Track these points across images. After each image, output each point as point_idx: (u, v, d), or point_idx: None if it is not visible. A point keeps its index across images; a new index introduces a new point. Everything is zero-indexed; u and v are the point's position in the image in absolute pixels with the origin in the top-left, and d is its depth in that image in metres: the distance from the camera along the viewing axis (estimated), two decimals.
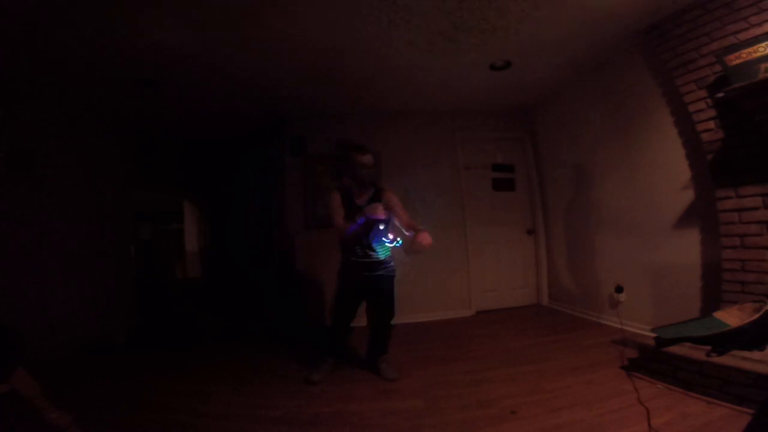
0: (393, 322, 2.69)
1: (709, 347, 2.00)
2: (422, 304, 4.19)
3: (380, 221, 2.34)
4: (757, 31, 2.12)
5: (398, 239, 2.37)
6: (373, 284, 2.56)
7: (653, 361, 2.25)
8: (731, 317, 2.09)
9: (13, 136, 3.02)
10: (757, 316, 1.95)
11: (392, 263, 2.63)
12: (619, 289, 3.34)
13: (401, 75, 3.45)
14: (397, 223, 2.49)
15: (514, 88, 3.95)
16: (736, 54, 2.13)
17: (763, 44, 2.02)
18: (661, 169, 2.94)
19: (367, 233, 2.45)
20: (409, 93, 3.89)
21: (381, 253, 2.54)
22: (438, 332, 3.71)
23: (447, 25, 2.68)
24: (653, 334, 2.34)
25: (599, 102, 3.53)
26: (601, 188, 3.58)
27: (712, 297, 2.52)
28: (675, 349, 2.14)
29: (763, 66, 2.01)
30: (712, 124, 2.41)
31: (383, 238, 2.41)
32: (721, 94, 2.22)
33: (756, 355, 1.86)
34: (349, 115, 4.25)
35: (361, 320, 2.73)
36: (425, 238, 2.19)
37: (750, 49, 2.07)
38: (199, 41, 2.70)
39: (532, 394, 2.18)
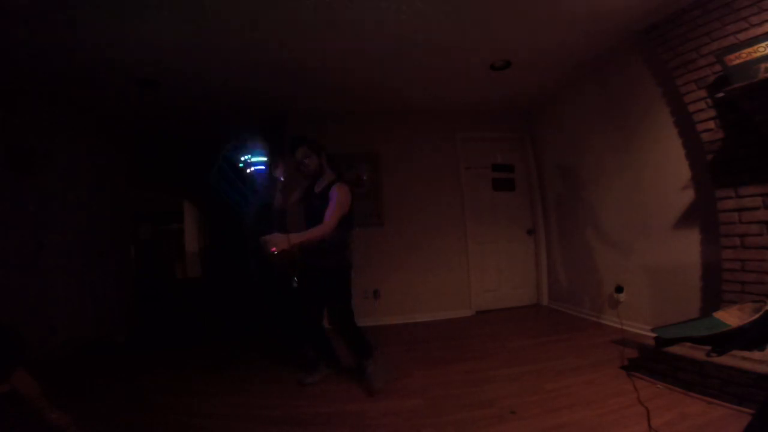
0: (349, 319, 2.45)
1: (709, 347, 2.00)
2: (422, 304, 4.20)
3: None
4: (757, 31, 2.12)
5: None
6: (316, 279, 2.40)
7: (653, 361, 2.25)
8: (731, 317, 2.09)
9: (13, 136, 3.03)
10: (757, 316, 1.95)
11: (342, 254, 2.42)
12: (619, 289, 3.33)
13: (401, 75, 3.45)
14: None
15: (514, 88, 3.95)
16: (736, 54, 2.13)
17: (763, 44, 2.02)
18: (661, 169, 2.93)
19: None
20: (410, 93, 3.89)
21: (321, 248, 2.32)
22: (438, 332, 3.71)
23: (448, 25, 2.68)
24: (653, 334, 2.34)
25: (599, 102, 3.53)
26: (601, 188, 3.58)
27: (712, 297, 2.51)
28: (675, 349, 2.14)
29: (763, 66, 2.00)
30: (712, 124, 2.41)
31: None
32: (721, 94, 2.21)
33: (756, 355, 1.86)
34: (350, 114, 4.25)
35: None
36: (273, 240, 2.07)
37: (750, 49, 2.07)
38: (199, 42, 2.70)
39: (532, 394, 2.18)
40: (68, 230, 3.46)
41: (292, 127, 4.14)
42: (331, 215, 2.26)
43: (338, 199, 2.31)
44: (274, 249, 2.10)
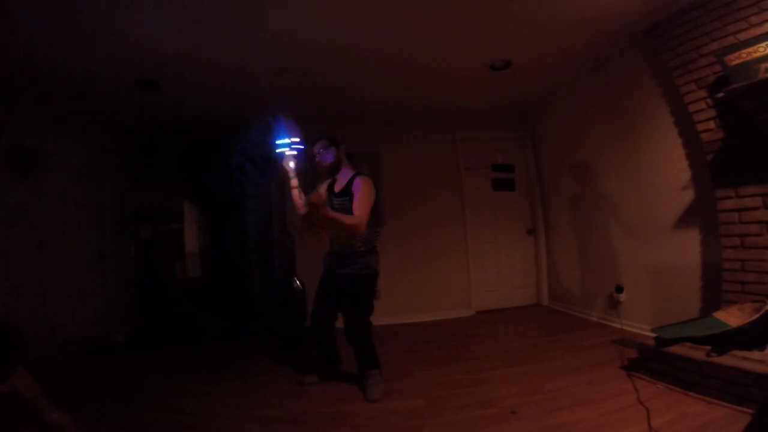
0: (364, 330, 2.35)
1: (709, 347, 2.00)
2: (422, 304, 4.20)
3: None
4: (757, 31, 2.12)
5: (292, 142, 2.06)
6: (339, 283, 2.32)
7: (653, 361, 2.25)
8: (731, 317, 2.09)
9: (13, 136, 3.02)
10: (757, 316, 1.95)
11: (365, 260, 2.29)
12: (619, 289, 3.34)
13: (401, 75, 3.45)
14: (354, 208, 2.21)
15: (514, 88, 3.95)
16: (736, 54, 2.13)
17: (763, 44, 2.02)
18: (661, 169, 2.93)
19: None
20: (409, 93, 3.89)
21: (347, 246, 2.25)
22: (438, 332, 3.71)
23: (447, 25, 2.68)
24: (653, 334, 2.34)
25: (599, 102, 3.52)
26: (601, 188, 3.58)
27: (712, 297, 2.51)
28: (675, 349, 2.14)
29: (763, 66, 2.00)
30: (712, 124, 2.41)
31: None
32: (721, 94, 2.21)
33: (756, 355, 1.86)
34: (350, 114, 4.25)
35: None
36: (314, 203, 1.94)
37: (750, 49, 2.07)
38: (199, 43, 2.70)
39: (532, 394, 2.18)
40: (68, 230, 3.46)
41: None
42: (360, 208, 2.14)
43: (364, 191, 2.20)
44: (311, 204, 1.95)
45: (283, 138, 2.22)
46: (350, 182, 2.30)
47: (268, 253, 4.70)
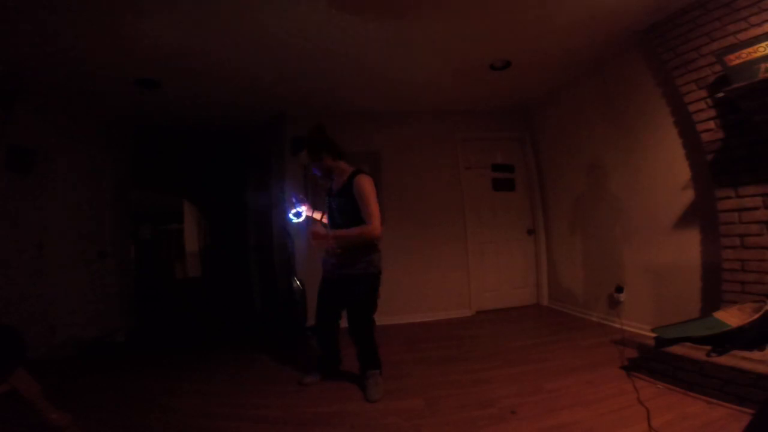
0: (368, 328, 2.37)
1: (709, 347, 2.00)
2: (422, 304, 4.20)
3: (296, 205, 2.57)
4: (757, 31, 2.12)
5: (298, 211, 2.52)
6: (341, 284, 2.33)
7: (653, 361, 2.25)
8: (731, 317, 2.09)
9: (13, 136, 3.02)
10: (757, 316, 1.95)
11: (368, 259, 2.27)
12: (619, 289, 3.34)
13: (401, 75, 3.45)
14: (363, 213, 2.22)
15: (514, 88, 3.95)
16: (736, 54, 2.13)
17: (763, 44, 2.02)
18: (661, 169, 2.94)
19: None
20: (409, 93, 3.89)
21: (352, 247, 2.24)
22: (438, 332, 3.71)
23: (448, 25, 2.68)
24: (653, 334, 2.34)
25: (599, 102, 3.53)
26: (601, 188, 3.58)
27: (712, 297, 2.52)
28: (675, 349, 2.14)
29: (763, 66, 2.01)
30: (712, 124, 2.41)
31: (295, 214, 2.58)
32: (721, 94, 2.22)
33: (756, 355, 1.86)
34: (350, 114, 4.25)
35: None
36: (315, 234, 2.22)
37: (750, 49, 2.07)
38: (199, 43, 2.70)
39: (532, 394, 2.19)
40: (68, 230, 3.46)
41: (291, 127, 4.15)
42: (371, 214, 2.15)
43: (366, 194, 2.18)
44: (316, 243, 2.22)
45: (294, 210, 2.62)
46: (349, 182, 2.28)
47: (268, 253, 4.70)
